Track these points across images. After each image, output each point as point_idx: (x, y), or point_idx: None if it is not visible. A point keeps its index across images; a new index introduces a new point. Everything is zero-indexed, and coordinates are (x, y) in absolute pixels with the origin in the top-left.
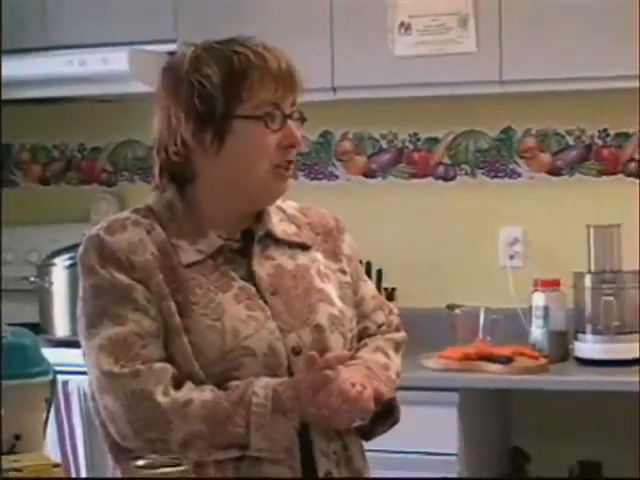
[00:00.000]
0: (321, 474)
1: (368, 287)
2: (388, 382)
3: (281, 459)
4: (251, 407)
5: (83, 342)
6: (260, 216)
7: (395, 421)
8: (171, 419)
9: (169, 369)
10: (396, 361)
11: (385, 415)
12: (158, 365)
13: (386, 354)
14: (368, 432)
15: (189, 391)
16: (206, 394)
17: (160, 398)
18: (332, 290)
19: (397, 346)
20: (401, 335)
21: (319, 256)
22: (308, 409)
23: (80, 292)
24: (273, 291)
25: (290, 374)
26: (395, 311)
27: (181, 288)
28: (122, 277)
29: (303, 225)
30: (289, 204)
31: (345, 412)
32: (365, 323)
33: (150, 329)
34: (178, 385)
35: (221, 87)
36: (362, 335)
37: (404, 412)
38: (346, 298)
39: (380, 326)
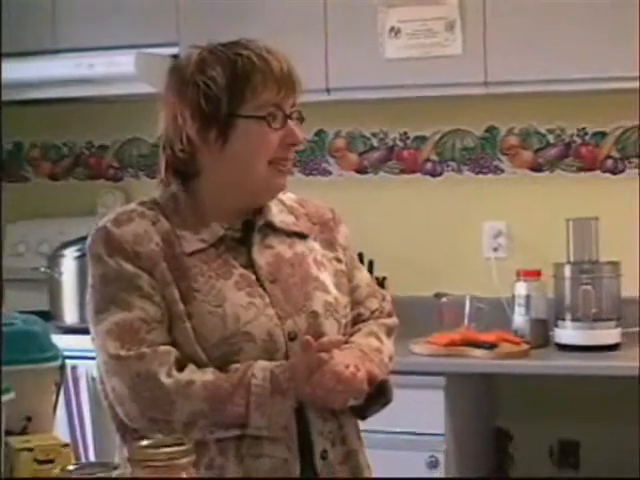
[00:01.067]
0: (317, 453)
1: (362, 275)
2: (381, 364)
3: (280, 438)
4: (250, 388)
5: (91, 327)
6: (260, 207)
7: (388, 401)
8: (174, 399)
9: (172, 352)
10: (388, 345)
11: (378, 395)
12: (162, 348)
13: (379, 338)
14: (362, 412)
15: (191, 373)
16: (208, 375)
17: (164, 379)
18: (328, 278)
19: (389, 331)
20: (393, 320)
21: (316, 245)
22: (304, 389)
23: (89, 280)
24: (272, 279)
25: (287, 358)
26: (388, 298)
27: (184, 276)
28: (128, 266)
29: (301, 215)
30: (288, 196)
31: (339, 392)
32: (359, 309)
33: (155, 315)
34: (181, 367)
35: (225, 88)
36: (356, 321)
37: (394, 395)
38: (341, 286)
39: (373, 312)
